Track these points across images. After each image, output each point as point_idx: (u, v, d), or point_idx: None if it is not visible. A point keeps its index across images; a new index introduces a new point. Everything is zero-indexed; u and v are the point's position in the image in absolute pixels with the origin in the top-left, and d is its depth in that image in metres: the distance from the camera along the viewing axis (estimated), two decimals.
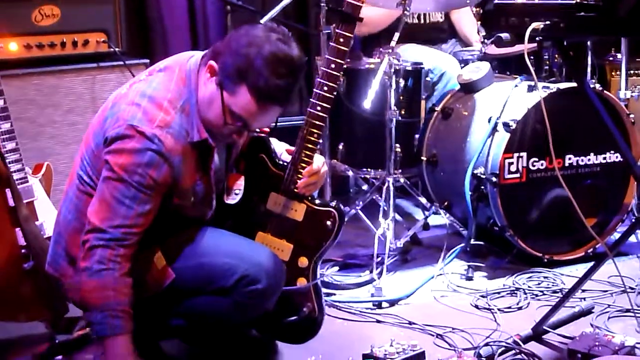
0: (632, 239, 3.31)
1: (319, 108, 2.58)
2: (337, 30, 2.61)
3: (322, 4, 3.77)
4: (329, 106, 2.59)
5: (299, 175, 2.59)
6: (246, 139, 2.63)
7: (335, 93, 2.61)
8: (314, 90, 2.60)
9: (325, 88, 2.59)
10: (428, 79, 4.05)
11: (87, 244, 2.24)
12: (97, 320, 2.21)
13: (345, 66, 3.91)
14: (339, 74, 2.61)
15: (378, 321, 3.14)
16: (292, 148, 2.64)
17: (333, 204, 2.66)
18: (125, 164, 2.26)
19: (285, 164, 2.63)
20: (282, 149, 2.73)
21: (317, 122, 2.59)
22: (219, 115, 2.37)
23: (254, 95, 2.30)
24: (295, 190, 2.60)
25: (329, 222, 2.62)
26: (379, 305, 3.26)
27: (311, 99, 2.60)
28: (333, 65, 2.59)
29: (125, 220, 2.25)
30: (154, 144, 2.27)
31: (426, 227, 4.04)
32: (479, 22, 4.25)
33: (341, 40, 2.60)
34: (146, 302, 2.43)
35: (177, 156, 2.33)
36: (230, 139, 2.49)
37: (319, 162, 2.64)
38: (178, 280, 2.46)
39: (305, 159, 2.59)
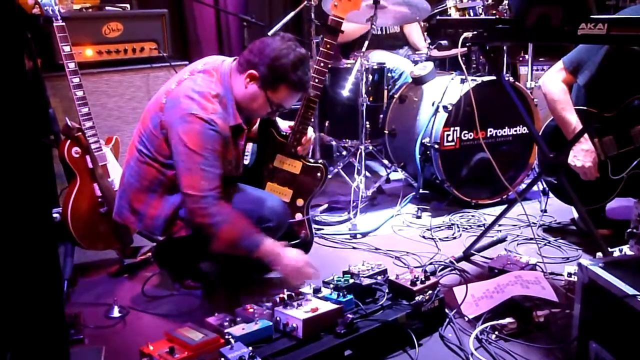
0: (534, 188, 3.31)
1: (312, 94, 2.63)
2: (324, 39, 2.66)
3: (314, 21, 3.75)
4: (319, 92, 2.65)
5: (298, 142, 2.64)
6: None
7: (323, 83, 2.68)
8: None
9: (317, 80, 2.66)
10: (390, 75, 4.01)
11: (201, 210, 2.26)
12: (246, 245, 2.27)
13: (330, 65, 3.92)
14: (326, 70, 2.68)
15: (354, 248, 3.14)
16: (292, 123, 2.69)
17: (320, 161, 2.72)
18: (199, 144, 2.26)
19: (287, 133, 2.67)
20: (284, 124, 2.75)
21: (311, 104, 2.65)
22: (264, 106, 2.42)
23: (292, 89, 2.39)
24: (295, 152, 2.66)
25: (318, 174, 2.68)
26: (354, 236, 3.27)
27: None
28: (322, 64, 2.67)
29: (213, 182, 2.28)
30: (212, 125, 2.28)
31: (388, 180, 4.01)
32: (426, 32, 4.22)
33: (328, 46, 2.68)
34: (194, 237, 2.44)
35: (225, 134, 2.35)
36: (266, 116, 2.56)
37: (311, 131, 2.70)
38: None
39: (302, 130, 2.65)
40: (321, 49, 2.66)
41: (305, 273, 2.32)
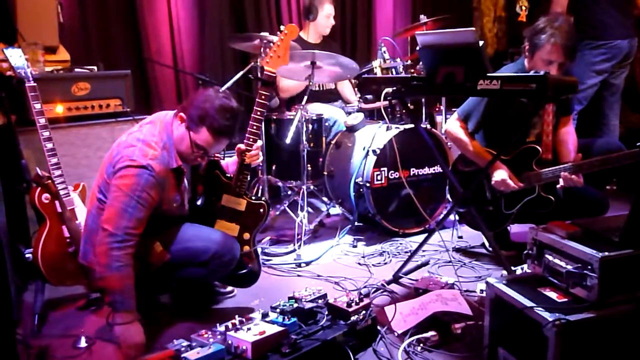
0: (451, 217, 3.39)
1: (250, 140, 2.61)
2: (259, 91, 2.65)
3: (258, 78, 3.77)
4: (257, 138, 2.62)
5: (242, 182, 2.61)
6: (205, 162, 2.63)
7: (260, 130, 2.64)
8: (248, 128, 2.62)
9: (255, 127, 2.62)
10: (327, 124, 4.08)
11: (104, 246, 2.16)
12: (119, 299, 2.16)
13: (274, 117, 3.96)
14: (262, 118, 2.64)
15: (298, 275, 3.12)
16: (235, 158, 2.66)
17: (263, 199, 2.68)
18: (129, 185, 2.21)
19: (232, 176, 2.64)
20: (227, 161, 2.75)
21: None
22: (189, 147, 2.37)
23: (211, 132, 2.34)
24: (239, 191, 2.62)
25: (261, 210, 2.64)
26: (299, 265, 3.25)
27: (246, 134, 2.61)
28: (259, 113, 2.63)
29: (129, 223, 2.18)
30: (148, 170, 2.23)
31: (328, 215, 4.03)
32: (356, 88, 4.32)
33: (263, 97, 2.64)
34: (151, 273, 2.39)
35: (163, 177, 2.30)
36: (196, 161, 2.47)
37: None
38: (172, 259, 2.42)
39: (243, 176, 2.61)
40: (257, 99, 2.63)
41: (130, 350, 2.17)
